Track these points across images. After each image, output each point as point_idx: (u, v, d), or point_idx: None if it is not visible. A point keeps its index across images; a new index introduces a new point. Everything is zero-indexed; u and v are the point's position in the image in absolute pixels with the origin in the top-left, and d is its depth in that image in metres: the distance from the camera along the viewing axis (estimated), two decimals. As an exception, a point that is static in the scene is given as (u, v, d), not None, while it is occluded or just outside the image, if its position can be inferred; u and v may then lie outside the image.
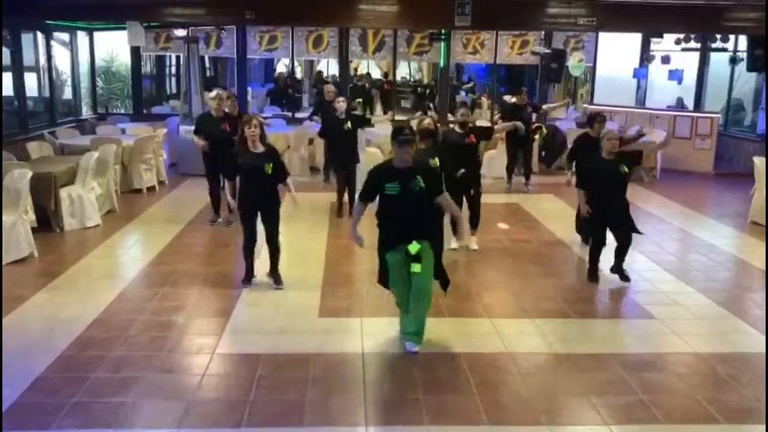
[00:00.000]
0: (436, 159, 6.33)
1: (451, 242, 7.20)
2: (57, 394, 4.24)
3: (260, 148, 6.05)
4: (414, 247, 4.74)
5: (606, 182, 6.36)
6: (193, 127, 9.05)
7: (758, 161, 9.29)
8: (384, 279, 5.15)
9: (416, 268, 4.77)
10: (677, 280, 6.74)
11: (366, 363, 4.75)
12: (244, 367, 4.66)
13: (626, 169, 6.37)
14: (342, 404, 4.20)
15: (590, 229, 6.87)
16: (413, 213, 4.81)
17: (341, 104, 9.10)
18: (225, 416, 4.04)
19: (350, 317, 5.61)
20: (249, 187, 6.08)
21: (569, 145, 12.77)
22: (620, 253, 6.50)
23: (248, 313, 5.70)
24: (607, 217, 6.45)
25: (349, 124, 8.98)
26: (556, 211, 9.88)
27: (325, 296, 6.07)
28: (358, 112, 9.45)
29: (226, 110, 8.46)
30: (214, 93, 8.59)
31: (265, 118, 13.08)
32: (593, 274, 6.59)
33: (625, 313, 5.98)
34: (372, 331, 5.30)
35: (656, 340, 5.29)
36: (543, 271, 6.95)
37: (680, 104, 14.73)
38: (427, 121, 7.05)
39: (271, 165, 6.00)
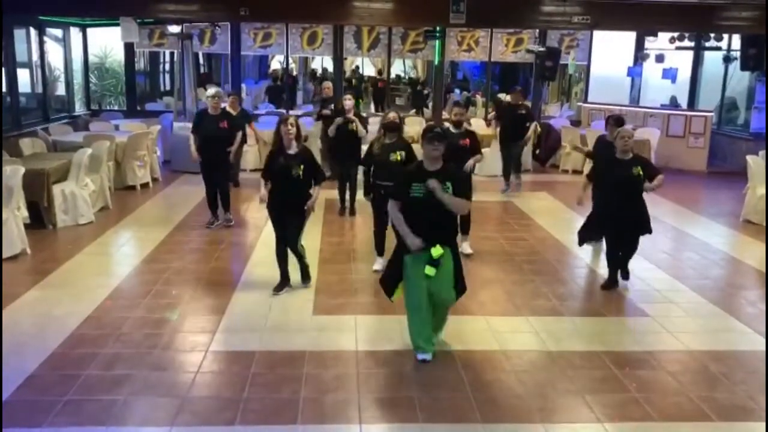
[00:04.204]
0: (398, 153, 6.29)
1: (464, 247, 7.05)
2: (49, 391, 4.23)
3: (294, 149, 5.78)
4: (437, 251, 4.52)
5: (617, 184, 6.08)
6: (188, 124, 9.05)
7: (751, 160, 9.33)
8: (388, 282, 4.95)
9: (430, 271, 4.55)
10: (671, 278, 6.76)
11: (360, 361, 4.75)
12: (238, 365, 4.65)
13: (640, 172, 6.04)
14: (336, 402, 4.20)
15: (599, 232, 6.71)
16: (437, 218, 4.61)
17: (348, 103, 8.95)
18: (218, 414, 4.03)
19: (344, 315, 5.60)
20: (277, 189, 5.88)
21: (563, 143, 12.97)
22: (622, 261, 6.38)
23: (242, 310, 5.68)
24: (616, 221, 6.21)
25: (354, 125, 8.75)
26: (549, 208, 9.90)
27: (319, 294, 6.06)
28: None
29: (227, 108, 8.29)
30: (212, 91, 8.41)
31: (257, 114, 13.09)
32: (611, 281, 6.34)
33: (618, 311, 5.99)
34: (366, 329, 5.30)
35: (649, 338, 5.31)
36: (536, 269, 6.96)
37: (674, 103, 14.77)
38: (392, 114, 6.77)
39: (302, 167, 5.74)
